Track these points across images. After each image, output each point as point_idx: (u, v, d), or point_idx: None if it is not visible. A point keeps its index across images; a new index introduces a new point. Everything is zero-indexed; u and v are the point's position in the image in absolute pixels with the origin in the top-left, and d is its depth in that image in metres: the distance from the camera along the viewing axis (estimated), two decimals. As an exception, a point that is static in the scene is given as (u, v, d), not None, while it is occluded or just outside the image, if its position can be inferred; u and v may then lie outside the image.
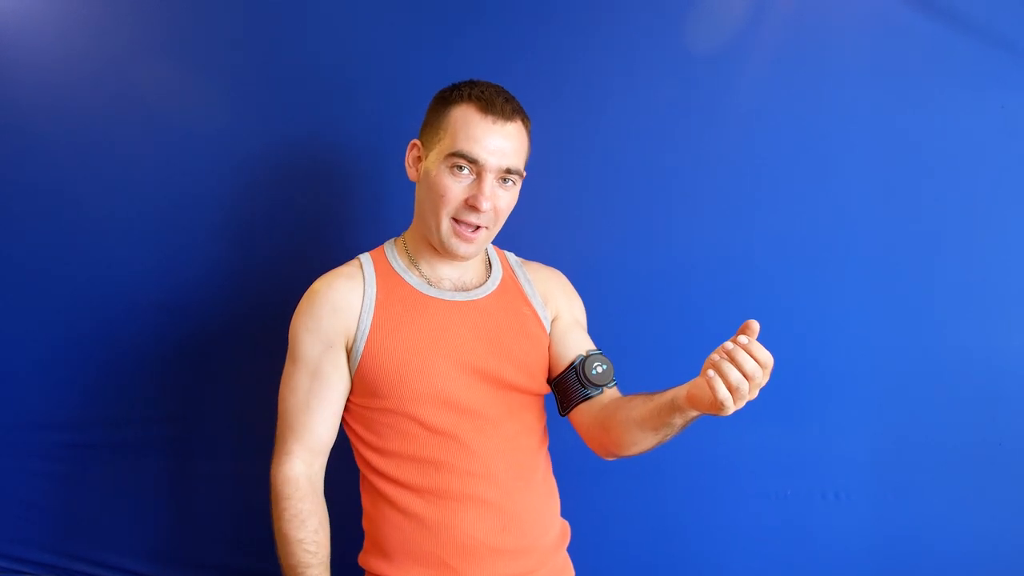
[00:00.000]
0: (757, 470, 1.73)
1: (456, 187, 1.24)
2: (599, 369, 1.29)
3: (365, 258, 1.35)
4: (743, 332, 1.02)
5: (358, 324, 1.27)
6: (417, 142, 1.29)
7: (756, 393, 1.02)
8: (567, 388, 1.31)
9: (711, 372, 1.00)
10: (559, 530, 1.37)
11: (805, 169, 1.68)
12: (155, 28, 1.79)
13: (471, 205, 1.24)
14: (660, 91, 1.71)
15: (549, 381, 1.36)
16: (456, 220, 1.26)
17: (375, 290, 1.30)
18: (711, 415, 1.07)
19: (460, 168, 1.23)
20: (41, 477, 1.88)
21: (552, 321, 1.37)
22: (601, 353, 1.32)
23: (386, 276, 1.32)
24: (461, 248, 1.28)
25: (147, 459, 1.85)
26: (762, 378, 1.01)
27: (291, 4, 1.77)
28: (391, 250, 1.36)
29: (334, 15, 1.75)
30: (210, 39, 1.79)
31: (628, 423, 1.20)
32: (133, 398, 1.84)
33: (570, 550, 1.43)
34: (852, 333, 1.69)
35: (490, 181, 1.24)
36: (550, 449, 1.42)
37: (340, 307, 1.28)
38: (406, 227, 1.41)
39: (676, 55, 1.69)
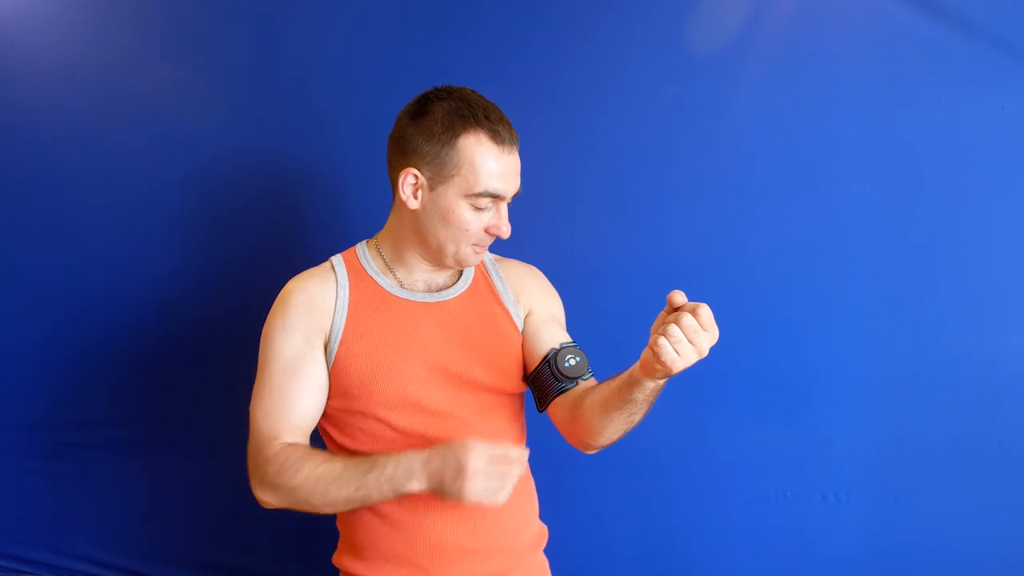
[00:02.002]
0: (757, 470, 1.73)
1: (479, 221, 1.24)
2: (572, 361, 1.27)
3: (337, 260, 1.34)
4: (674, 307, 1.05)
5: (332, 325, 1.27)
6: (415, 172, 1.24)
7: (706, 349, 1.04)
8: (542, 383, 1.29)
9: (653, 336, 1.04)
10: (536, 532, 1.37)
11: (805, 170, 1.69)
12: (154, 30, 1.79)
13: (493, 233, 1.26)
14: (659, 91, 1.71)
15: (526, 378, 1.35)
16: (475, 244, 1.28)
17: (348, 292, 1.29)
18: (662, 376, 1.08)
19: (483, 205, 1.24)
20: (41, 477, 1.88)
21: (525, 317, 1.36)
22: (575, 345, 1.30)
23: (358, 278, 1.31)
24: (474, 261, 1.30)
25: (147, 459, 1.85)
26: (705, 336, 1.03)
27: (288, 6, 1.77)
28: (363, 252, 1.35)
29: (330, 17, 1.75)
30: (208, 41, 1.79)
31: (594, 407, 1.20)
32: (135, 398, 1.84)
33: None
34: (852, 333, 1.69)
35: (507, 206, 1.27)
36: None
37: (315, 307, 1.27)
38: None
39: (675, 56, 1.69)
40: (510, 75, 1.73)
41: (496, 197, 1.23)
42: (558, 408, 1.29)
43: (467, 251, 1.27)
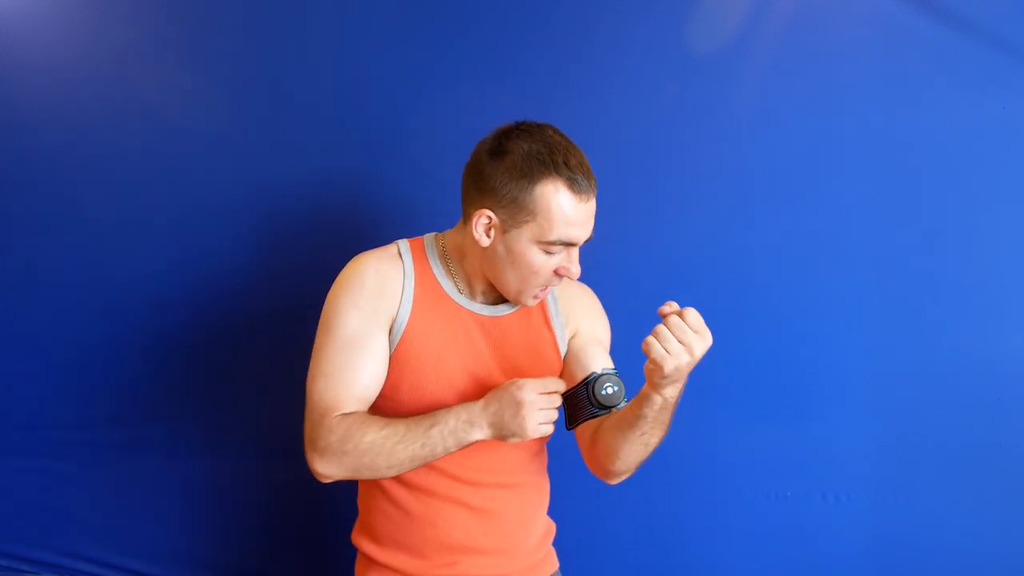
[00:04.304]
0: (757, 470, 1.73)
1: (549, 264, 1.24)
2: (610, 390, 1.25)
3: (404, 248, 1.32)
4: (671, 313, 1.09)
5: (397, 314, 1.27)
6: (490, 214, 1.22)
7: (697, 350, 1.08)
8: (576, 404, 1.28)
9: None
10: (543, 529, 1.40)
11: (806, 170, 1.69)
12: (154, 29, 1.79)
13: (561, 275, 1.25)
14: (659, 91, 1.71)
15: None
16: (541, 287, 1.27)
17: (413, 284, 1.28)
18: (661, 382, 1.11)
19: (555, 251, 1.23)
20: (42, 475, 1.88)
21: (570, 339, 1.37)
22: (615, 373, 1.29)
23: (423, 273, 1.30)
24: (535, 303, 1.30)
25: (149, 458, 1.85)
26: (695, 336, 1.08)
27: (291, 6, 1.77)
28: (431, 248, 1.33)
29: (330, 16, 1.75)
30: (211, 40, 1.79)
31: (611, 428, 1.23)
32: (135, 397, 1.84)
33: (563, 550, 1.44)
34: (852, 334, 1.69)
35: (578, 249, 1.26)
36: (551, 450, 1.42)
37: (387, 292, 1.26)
38: (417, 227, 1.39)
39: (675, 56, 1.69)
40: (510, 75, 1.72)
41: (569, 244, 1.23)
42: (585, 430, 1.30)
43: (531, 294, 1.27)
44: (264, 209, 1.78)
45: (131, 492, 1.86)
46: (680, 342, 1.07)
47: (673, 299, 1.70)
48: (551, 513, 1.42)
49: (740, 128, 1.69)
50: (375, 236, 1.46)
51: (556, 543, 1.43)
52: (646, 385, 1.14)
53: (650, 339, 1.08)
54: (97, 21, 1.79)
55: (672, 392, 1.14)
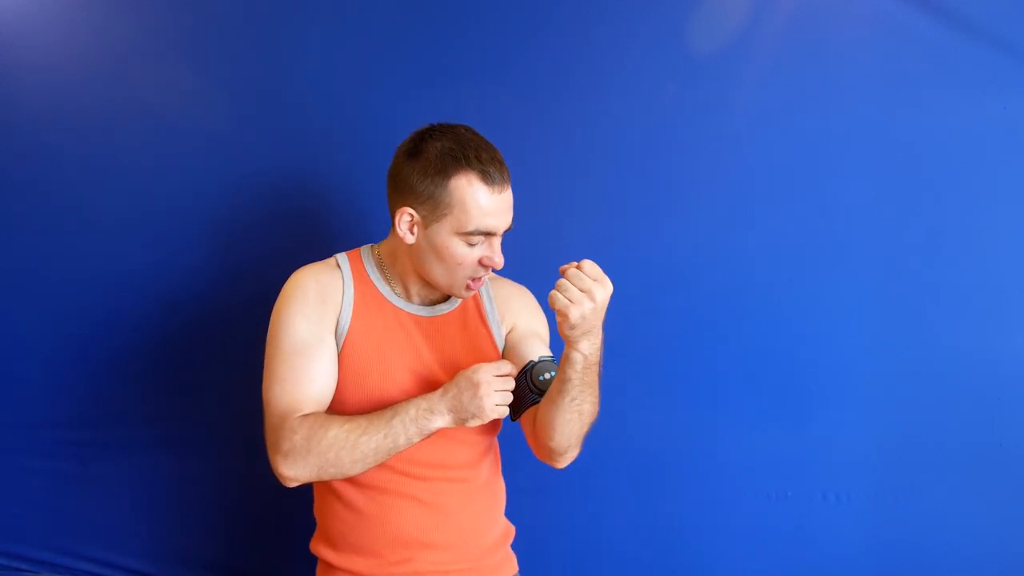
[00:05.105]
0: (757, 470, 1.73)
1: (472, 255, 1.29)
2: (547, 375, 1.29)
3: (342, 258, 1.38)
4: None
5: (339, 319, 1.32)
6: (411, 212, 1.29)
7: (598, 296, 1.13)
8: (518, 393, 1.32)
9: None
10: (500, 531, 1.42)
11: (806, 170, 1.69)
12: (157, 30, 1.79)
13: (486, 265, 1.30)
14: (660, 91, 1.71)
15: None
16: (471, 278, 1.32)
17: (352, 291, 1.34)
18: (570, 333, 1.15)
19: (475, 241, 1.28)
20: (41, 475, 1.88)
21: (507, 334, 1.42)
22: (552, 360, 1.33)
23: (361, 280, 1.36)
24: (470, 295, 1.35)
25: (147, 457, 1.85)
26: (594, 283, 1.13)
27: (291, 6, 1.77)
28: (367, 257, 1.39)
29: (331, 17, 1.75)
30: (211, 40, 1.79)
31: (545, 405, 1.27)
32: (134, 396, 1.84)
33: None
34: (852, 334, 1.69)
35: (499, 239, 1.31)
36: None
37: (329, 299, 1.32)
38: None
39: (675, 56, 1.69)
40: (510, 75, 1.72)
41: (488, 234, 1.28)
42: (527, 419, 1.34)
43: (461, 285, 1.31)
44: (266, 209, 1.79)
45: (130, 491, 1.86)
46: (580, 290, 1.12)
47: (673, 299, 1.72)
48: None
49: (740, 128, 1.70)
50: (379, 234, 1.46)
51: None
52: (565, 346, 1.18)
53: (552, 292, 1.14)
54: (97, 21, 1.79)
55: (588, 347, 1.18)
